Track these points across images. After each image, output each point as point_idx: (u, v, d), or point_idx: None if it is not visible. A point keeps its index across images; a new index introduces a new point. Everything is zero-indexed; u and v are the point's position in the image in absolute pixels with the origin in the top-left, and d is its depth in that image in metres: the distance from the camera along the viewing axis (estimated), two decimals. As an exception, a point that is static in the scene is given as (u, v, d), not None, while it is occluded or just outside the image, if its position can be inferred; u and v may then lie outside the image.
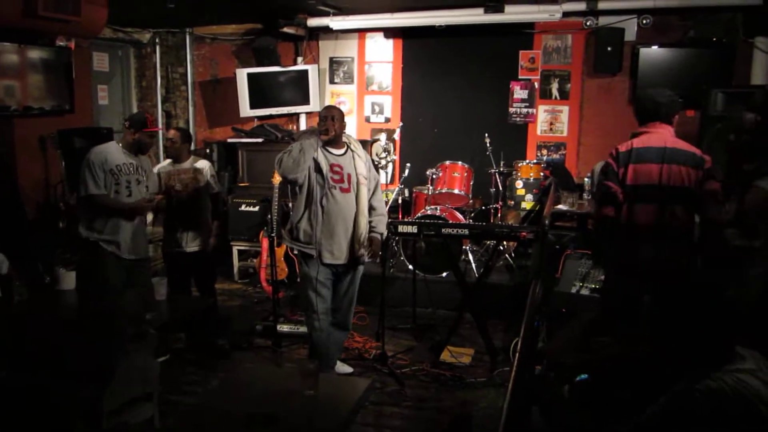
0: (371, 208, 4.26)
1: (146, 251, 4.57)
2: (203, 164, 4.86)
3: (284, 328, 5.08)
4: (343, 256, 4.10)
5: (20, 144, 5.74)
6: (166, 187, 4.73)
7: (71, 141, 5.92)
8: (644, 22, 6.11)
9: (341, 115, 4.13)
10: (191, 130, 7.45)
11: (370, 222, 4.22)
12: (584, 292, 4.04)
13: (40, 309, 3.59)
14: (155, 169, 4.86)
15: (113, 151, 4.27)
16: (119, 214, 4.21)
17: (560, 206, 5.54)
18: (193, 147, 5.49)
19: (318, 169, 4.02)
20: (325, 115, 4.07)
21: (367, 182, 4.18)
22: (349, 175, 4.09)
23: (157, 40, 7.66)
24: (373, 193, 4.28)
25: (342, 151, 4.14)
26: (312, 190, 4.04)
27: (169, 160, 4.83)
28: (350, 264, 4.17)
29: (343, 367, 4.53)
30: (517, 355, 2.88)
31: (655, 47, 6.21)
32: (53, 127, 5.89)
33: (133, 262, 4.34)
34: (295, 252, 4.36)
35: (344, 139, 4.18)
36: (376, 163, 6.82)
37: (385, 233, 4.36)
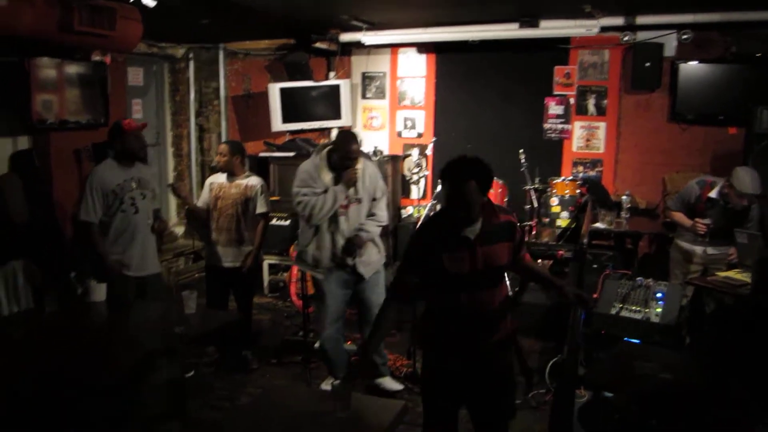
0: (370, 215, 4.28)
1: (156, 266, 4.53)
2: (255, 181, 4.85)
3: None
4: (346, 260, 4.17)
5: (56, 157, 5.80)
6: (214, 198, 4.73)
7: (105, 154, 5.90)
8: (684, 37, 5.97)
9: (359, 147, 4.12)
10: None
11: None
12: (624, 313, 3.89)
13: (70, 321, 3.57)
14: (208, 180, 4.88)
15: (110, 171, 4.21)
16: (97, 252, 4.15)
17: (598, 224, 5.41)
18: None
19: None
20: (350, 155, 4.01)
21: (365, 199, 4.19)
22: (357, 200, 4.16)
23: (190, 55, 7.73)
24: (376, 202, 4.29)
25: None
26: None
27: (224, 174, 4.82)
28: (357, 275, 4.21)
29: (393, 384, 4.46)
30: (560, 379, 2.75)
31: (695, 63, 6.05)
32: (88, 140, 5.94)
33: (143, 278, 4.30)
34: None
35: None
36: (408, 178, 6.76)
37: (372, 234, 4.29)
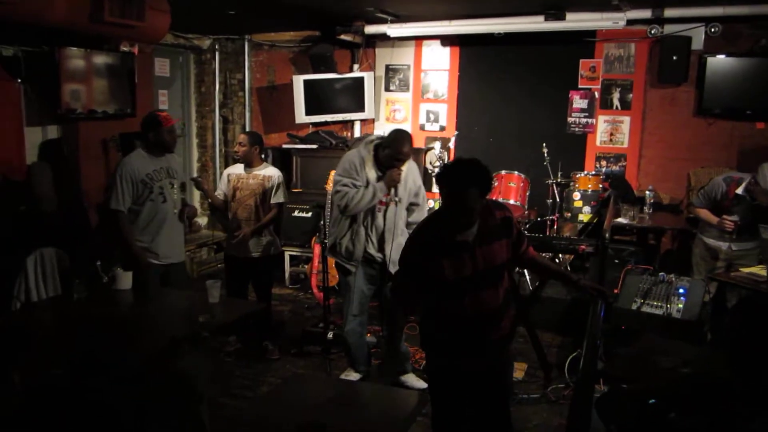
0: (415, 222, 4.22)
1: (181, 255, 4.59)
2: (273, 172, 4.89)
3: None
4: (378, 258, 4.19)
5: (84, 146, 5.90)
6: (233, 189, 4.79)
7: (132, 144, 6.03)
8: (712, 30, 5.89)
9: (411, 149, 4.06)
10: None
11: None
12: (645, 309, 3.87)
13: (97, 308, 3.65)
14: (226, 171, 4.94)
15: (141, 160, 4.26)
16: (125, 241, 4.19)
17: (620, 219, 5.38)
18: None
19: None
20: (401, 157, 3.95)
21: (404, 200, 4.17)
22: (396, 200, 4.14)
23: (216, 47, 7.80)
24: (418, 209, 4.29)
25: None
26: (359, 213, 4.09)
27: (241, 165, 4.87)
28: (386, 272, 4.20)
29: (416, 381, 4.44)
30: (579, 373, 2.76)
31: (723, 56, 5.97)
32: (115, 130, 6.03)
33: (168, 267, 4.37)
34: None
35: None
36: (430, 171, 6.76)
37: None
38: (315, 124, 7.37)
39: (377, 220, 4.12)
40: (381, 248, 4.17)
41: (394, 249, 4.11)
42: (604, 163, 6.60)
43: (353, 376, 4.48)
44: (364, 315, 4.35)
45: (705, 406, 1.79)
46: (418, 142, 7.19)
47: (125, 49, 6.00)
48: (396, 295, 2.88)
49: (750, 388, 1.73)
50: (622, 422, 1.92)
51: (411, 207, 4.28)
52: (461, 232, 2.71)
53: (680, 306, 3.81)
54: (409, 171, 4.15)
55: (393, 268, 4.18)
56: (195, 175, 7.52)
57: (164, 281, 4.33)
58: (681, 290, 3.89)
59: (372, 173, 4.01)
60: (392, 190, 4.08)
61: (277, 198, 4.86)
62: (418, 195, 4.28)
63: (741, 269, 4.33)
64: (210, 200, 5.20)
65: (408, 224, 4.27)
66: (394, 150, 3.93)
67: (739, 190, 4.59)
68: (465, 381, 2.89)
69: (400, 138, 3.97)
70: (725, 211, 4.63)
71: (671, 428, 1.78)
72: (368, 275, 4.26)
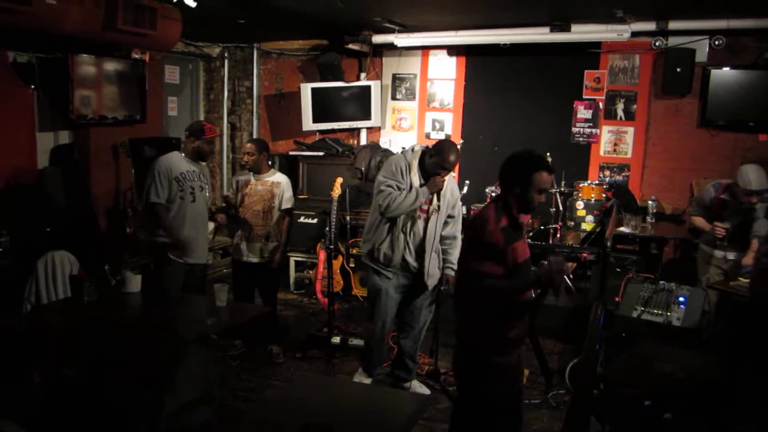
0: (450, 236, 4.34)
1: (205, 256, 4.71)
2: (281, 178, 4.98)
3: (355, 341, 5.12)
4: (414, 267, 4.21)
5: (94, 152, 6.00)
6: (241, 195, 4.86)
7: (141, 150, 6.15)
8: (716, 43, 5.94)
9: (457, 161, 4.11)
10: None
11: (444, 251, 4.33)
12: (646, 316, 3.92)
13: (108, 310, 3.71)
14: (234, 178, 5.04)
15: (177, 160, 4.49)
16: (164, 228, 4.41)
17: (622, 228, 5.42)
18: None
19: None
20: (446, 165, 4.00)
21: (443, 211, 4.21)
22: (437, 208, 4.16)
23: (225, 55, 7.90)
24: (454, 221, 4.35)
25: None
26: (398, 218, 4.11)
27: (249, 172, 4.94)
28: (420, 282, 4.24)
29: (420, 388, 4.50)
30: (577, 377, 2.81)
31: (727, 69, 6.02)
32: (125, 135, 6.14)
33: (192, 266, 4.50)
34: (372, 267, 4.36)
35: None
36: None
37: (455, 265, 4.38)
38: (322, 132, 7.45)
39: (417, 228, 4.14)
40: (418, 258, 4.18)
41: (432, 262, 4.20)
42: (607, 172, 6.65)
43: (365, 380, 4.50)
44: (389, 321, 4.35)
45: (699, 408, 1.84)
46: (424, 151, 7.25)
47: (136, 56, 6.11)
48: (489, 294, 2.90)
49: (741, 390, 1.79)
50: (617, 422, 1.98)
51: (447, 220, 4.32)
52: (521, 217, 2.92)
53: (680, 314, 3.85)
54: (449, 183, 4.21)
55: (430, 281, 4.26)
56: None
57: (187, 279, 4.46)
58: (681, 299, 3.93)
59: (416, 179, 4.07)
60: (433, 198, 4.11)
61: (287, 204, 4.95)
62: (455, 207, 4.32)
63: (740, 279, 4.38)
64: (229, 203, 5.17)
65: (442, 239, 4.31)
66: (440, 158, 4.01)
67: (725, 195, 4.67)
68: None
69: (447, 147, 4.08)
70: (716, 217, 4.70)
71: (665, 428, 1.84)
72: (401, 284, 4.27)
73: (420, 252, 4.18)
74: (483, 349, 2.97)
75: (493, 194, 6.10)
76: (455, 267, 4.35)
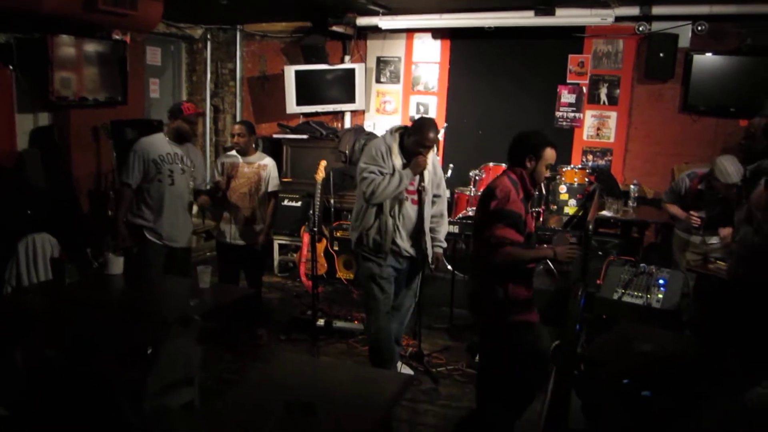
0: (437, 214, 4.30)
1: (188, 240, 4.69)
2: (268, 161, 4.97)
3: (339, 323, 5.18)
4: (407, 251, 4.11)
5: (75, 134, 5.93)
6: (227, 177, 4.84)
7: (123, 132, 6.09)
8: (699, 28, 5.98)
9: (437, 137, 4.05)
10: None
11: (432, 229, 4.26)
12: (626, 298, 3.97)
13: (90, 292, 3.69)
14: (219, 160, 4.99)
15: (158, 142, 4.44)
16: (116, 212, 4.46)
17: (604, 212, 5.47)
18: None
19: None
20: (426, 143, 3.92)
21: (430, 190, 4.14)
22: (422, 186, 4.07)
23: (208, 36, 7.82)
24: (440, 200, 4.31)
25: None
26: (384, 202, 4.00)
27: (234, 153, 4.91)
28: (412, 264, 4.17)
29: (405, 369, 4.44)
30: (559, 358, 2.86)
31: (709, 54, 6.07)
32: (106, 117, 6.07)
33: (174, 250, 4.46)
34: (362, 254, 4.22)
35: None
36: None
37: (445, 244, 4.39)
38: (306, 115, 7.42)
39: (405, 210, 4.03)
40: (413, 241, 4.09)
41: (428, 242, 4.16)
42: (590, 157, 6.70)
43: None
44: (391, 311, 4.17)
45: (676, 386, 1.88)
46: (408, 134, 7.25)
47: (117, 37, 6.03)
48: (514, 259, 3.19)
49: (716, 368, 1.82)
50: (597, 400, 2.01)
51: (434, 199, 4.24)
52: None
53: (660, 296, 3.89)
54: (431, 159, 4.11)
55: (430, 261, 4.22)
56: None
57: (169, 263, 4.42)
58: (661, 281, 3.97)
59: (398, 161, 3.96)
60: (418, 178, 4.03)
61: (273, 186, 4.94)
62: (440, 186, 4.26)
63: (719, 262, 4.43)
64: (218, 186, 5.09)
65: (436, 215, 4.26)
66: (420, 136, 3.92)
67: (702, 186, 4.71)
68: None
69: (426, 125, 3.98)
70: (692, 206, 4.74)
71: (643, 405, 1.87)
72: (394, 268, 4.10)
73: (416, 234, 4.08)
74: (507, 310, 3.27)
75: (477, 178, 6.12)
76: (444, 245, 4.38)
